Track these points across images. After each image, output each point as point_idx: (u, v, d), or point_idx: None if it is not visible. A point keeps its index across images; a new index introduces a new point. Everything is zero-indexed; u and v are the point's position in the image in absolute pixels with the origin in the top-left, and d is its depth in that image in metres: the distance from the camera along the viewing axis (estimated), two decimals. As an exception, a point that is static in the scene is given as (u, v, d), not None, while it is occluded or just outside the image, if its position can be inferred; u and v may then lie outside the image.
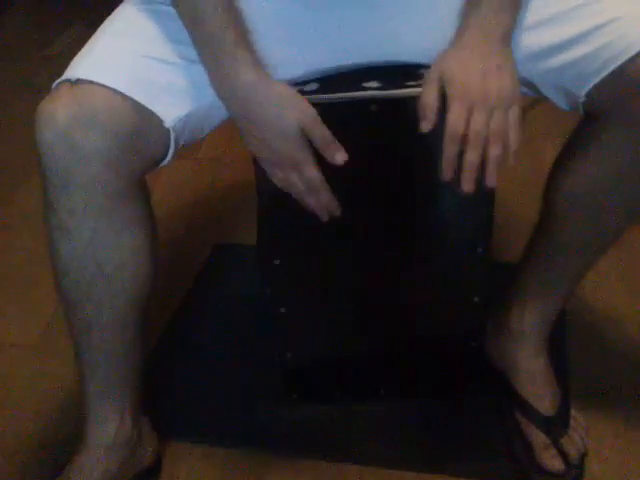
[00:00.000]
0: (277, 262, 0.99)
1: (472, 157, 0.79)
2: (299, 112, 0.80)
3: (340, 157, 0.82)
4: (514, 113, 0.80)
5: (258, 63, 0.80)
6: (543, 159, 1.39)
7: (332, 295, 1.04)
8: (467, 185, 0.79)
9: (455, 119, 0.78)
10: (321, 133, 0.81)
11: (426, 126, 0.79)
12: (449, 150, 0.79)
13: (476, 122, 0.78)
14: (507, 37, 0.82)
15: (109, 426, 0.95)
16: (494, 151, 0.79)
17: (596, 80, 0.80)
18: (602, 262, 1.00)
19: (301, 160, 0.82)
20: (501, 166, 0.79)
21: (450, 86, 0.79)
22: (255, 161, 0.90)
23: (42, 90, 0.83)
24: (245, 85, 0.79)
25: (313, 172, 0.83)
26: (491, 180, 0.79)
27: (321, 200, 0.85)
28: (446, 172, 0.80)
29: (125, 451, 0.97)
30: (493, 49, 0.81)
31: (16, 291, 1.40)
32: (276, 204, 0.91)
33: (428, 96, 0.80)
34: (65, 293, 0.88)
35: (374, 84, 0.87)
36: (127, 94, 0.79)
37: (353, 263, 1.01)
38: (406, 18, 0.86)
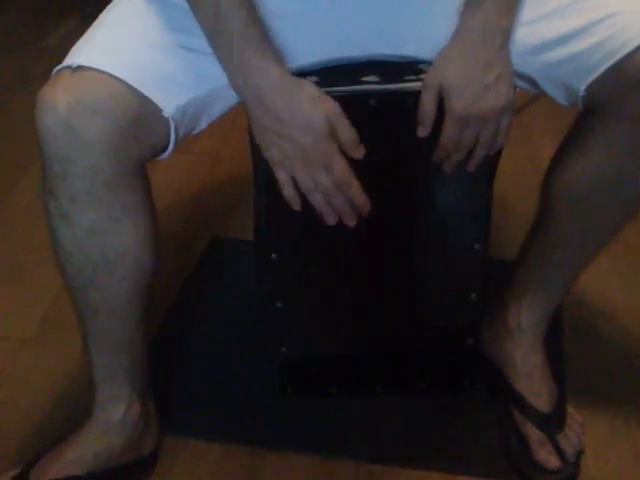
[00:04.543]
0: (274, 256, 0.99)
1: (457, 157, 0.88)
2: (327, 107, 0.81)
3: (360, 152, 0.83)
4: (505, 120, 0.84)
5: (282, 59, 0.81)
6: (541, 156, 1.40)
7: (329, 290, 1.04)
8: (448, 169, 0.89)
9: (449, 135, 0.85)
10: (347, 126, 0.82)
11: (423, 132, 0.86)
12: (439, 154, 0.88)
13: (467, 135, 0.85)
14: (507, 40, 0.83)
15: (119, 404, 0.95)
16: (479, 153, 0.87)
17: (596, 74, 0.80)
18: (599, 258, 1.00)
19: (331, 152, 0.81)
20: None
21: (449, 99, 0.83)
22: (253, 154, 0.90)
23: (39, 82, 0.82)
24: (274, 83, 0.79)
25: (343, 164, 0.82)
26: (472, 167, 0.89)
27: (352, 195, 0.84)
28: (435, 162, 0.90)
29: (132, 430, 0.97)
30: (495, 57, 0.82)
31: (12, 284, 1.39)
32: (273, 198, 0.90)
33: (427, 105, 0.84)
34: (70, 279, 0.88)
35: (373, 78, 0.87)
36: (128, 82, 0.78)
37: (350, 259, 1.01)
38: (409, 11, 0.86)
